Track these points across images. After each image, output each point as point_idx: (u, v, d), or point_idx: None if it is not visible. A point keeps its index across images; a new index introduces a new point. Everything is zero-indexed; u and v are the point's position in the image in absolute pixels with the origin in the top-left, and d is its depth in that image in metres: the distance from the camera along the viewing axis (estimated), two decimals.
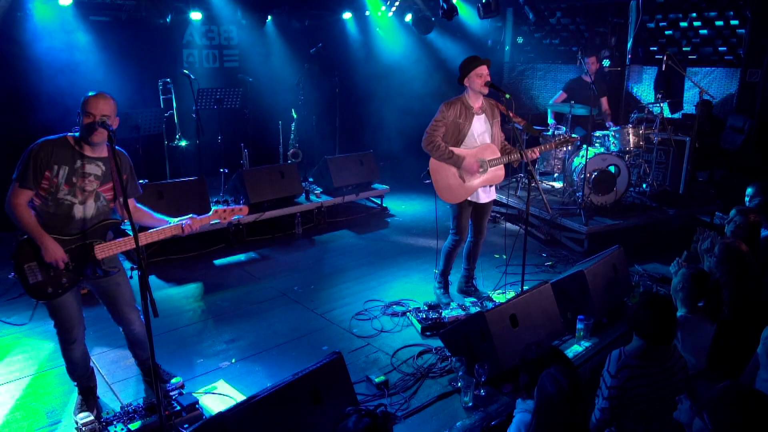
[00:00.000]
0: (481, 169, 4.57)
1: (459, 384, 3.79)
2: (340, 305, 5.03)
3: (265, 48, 8.43)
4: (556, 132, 7.38)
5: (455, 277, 5.31)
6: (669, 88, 9.24)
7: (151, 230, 3.33)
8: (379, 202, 8.01)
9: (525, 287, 5.16)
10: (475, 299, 4.96)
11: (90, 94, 3.11)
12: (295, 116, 7.58)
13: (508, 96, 4.41)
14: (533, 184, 4.81)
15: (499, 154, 4.62)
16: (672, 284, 3.87)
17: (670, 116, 8.72)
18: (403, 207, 8.11)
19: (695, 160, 7.89)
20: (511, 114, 4.67)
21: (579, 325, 4.33)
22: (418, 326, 4.55)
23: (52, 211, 3.13)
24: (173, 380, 3.77)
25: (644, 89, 9.91)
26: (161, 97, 6.78)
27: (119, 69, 6.89)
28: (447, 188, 4.64)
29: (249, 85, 7.30)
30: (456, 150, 4.53)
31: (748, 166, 8.30)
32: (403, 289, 5.37)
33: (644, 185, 7.45)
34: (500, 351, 3.71)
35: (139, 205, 3.52)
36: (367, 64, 9.54)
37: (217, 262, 6.05)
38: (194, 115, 6.36)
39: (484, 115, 4.64)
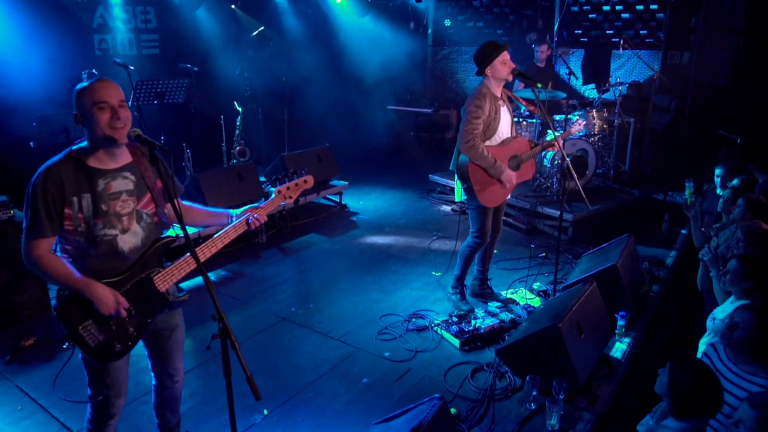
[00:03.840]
0: (516, 170, 4.23)
1: (533, 405, 3.48)
2: (355, 325, 4.47)
3: (194, 33, 7.35)
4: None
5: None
6: (596, 69, 9.57)
7: (216, 235, 2.60)
8: (337, 200, 7.41)
9: (534, 284, 4.99)
10: (499, 303, 4.65)
11: (86, 84, 2.28)
12: (240, 110, 6.71)
13: (539, 85, 4.09)
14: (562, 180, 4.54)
15: (529, 147, 4.30)
16: (725, 277, 3.81)
17: (597, 97, 9.03)
18: (362, 203, 7.58)
19: (637, 140, 8.24)
20: (523, 101, 4.38)
21: (620, 322, 4.20)
22: (455, 341, 4.14)
23: (93, 253, 2.38)
24: None
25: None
26: None
27: (22, 57, 5.59)
28: (486, 191, 4.22)
29: (194, 75, 6.28)
30: (494, 151, 4.14)
31: (674, 144, 8.85)
32: (411, 298, 4.92)
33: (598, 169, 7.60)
34: (576, 364, 3.44)
35: (186, 203, 2.76)
36: (313, 50, 8.77)
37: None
38: (136, 113, 5.30)
39: (505, 105, 4.29)
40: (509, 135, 4.35)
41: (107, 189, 2.36)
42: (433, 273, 5.40)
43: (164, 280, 2.51)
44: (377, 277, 5.34)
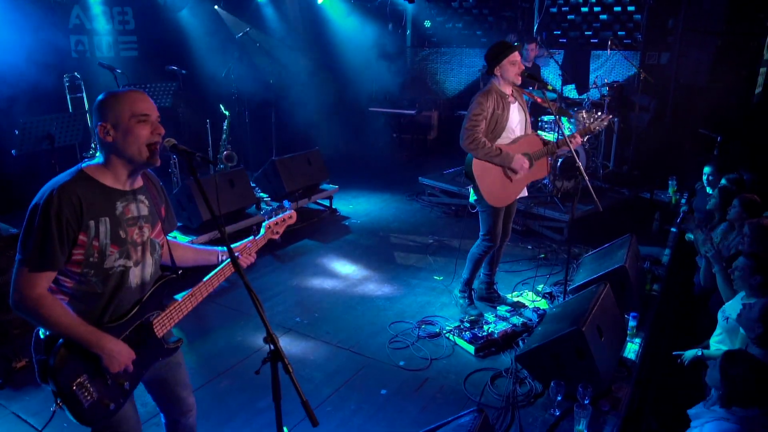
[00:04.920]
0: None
1: (557, 411, 3.43)
2: (364, 334, 4.36)
3: (176, 34, 7.10)
4: None
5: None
6: (575, 70, 9.68)
7: (210, 275, 2.40)
8: (327, 204, 7.27)
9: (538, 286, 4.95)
10: (509, 307, 4.61)
11: (119, 91, 2.06)
12: (227, 113, 6.50)
13: (550, 87, 4.06)
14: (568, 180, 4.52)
15: (541, 145, 4.26)
16: (734, 275, 3.85)
17: (578, 97, 9.15)
18: (351, 207, 7.46)
19: (621, 139, 8.37)
20: (539, 100, 4.33)
21: (632, 323, 4.21)
22: (470, 348, 4.07)
23: (100, 290, 2.06)
24: None
25: (550, 72, 10.26)
26: (68, 96, 5.30)
27: None
28: (494, 191, 4.16)
29: (182, 78, 6.03)
30: (503, 147, 4.08)
31: (656, 143, 9.01)
32: (417, 304, 4.84)
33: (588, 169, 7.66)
34: (600, 367, 3.41)
35: (173, 240, 2.52)
36: (296, 51, 8.58)
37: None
38: None
39: (517, 102, 4.24)
40: (522, 134, 4.31)
41: (125, 213, 2.10)
42: (435, 277, 5.33)
43: (163, 324, 2.25)
44: (379, 283, 5.24)
